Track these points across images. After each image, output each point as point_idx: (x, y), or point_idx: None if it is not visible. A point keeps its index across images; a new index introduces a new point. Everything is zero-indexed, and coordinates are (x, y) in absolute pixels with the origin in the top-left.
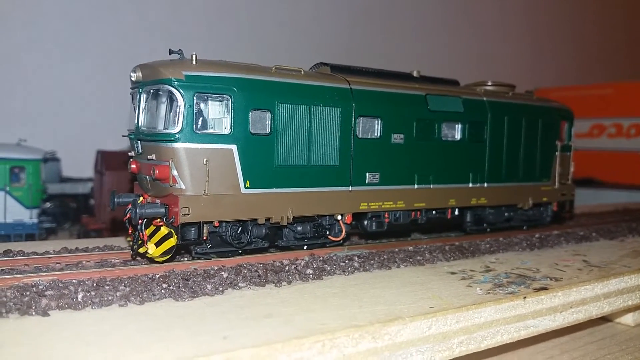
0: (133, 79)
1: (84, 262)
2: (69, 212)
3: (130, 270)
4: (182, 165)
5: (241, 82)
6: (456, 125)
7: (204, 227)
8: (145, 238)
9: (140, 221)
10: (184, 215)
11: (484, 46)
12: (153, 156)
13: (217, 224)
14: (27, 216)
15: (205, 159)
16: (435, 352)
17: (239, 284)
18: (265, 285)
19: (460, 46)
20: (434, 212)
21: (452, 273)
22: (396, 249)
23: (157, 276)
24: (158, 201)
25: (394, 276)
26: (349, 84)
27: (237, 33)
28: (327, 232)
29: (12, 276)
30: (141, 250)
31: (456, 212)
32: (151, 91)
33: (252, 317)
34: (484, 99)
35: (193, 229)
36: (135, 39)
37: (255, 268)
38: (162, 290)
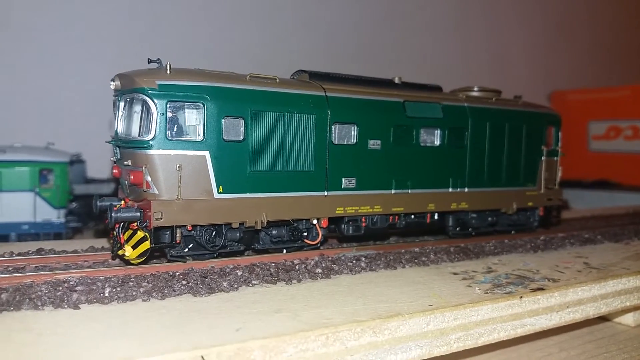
0: (112, 87)
1: (109, 260)
2: (93, 212)
3: (153, 268)
4: (155, 171)
5: (213, 91)
6: (435, 131)
7: (177, 231)
8: (122, 241)
9: (117, 225)
10: (157, 219)
11: (497, 48)
12: (129, 162)
13: (190, 228)
14: (55, 216)
15: (177, 165)
16: (434, 347)
17: (252, 282)
18: (277, 283)
19: (473, 49)
20: (412, 216)
21: (455, 274)
22: (402, 250)
23: (177, 273)
24: (135, 205)
25: (399, 276)
26: (325, 91)
27: (245, 37)
28: (304, 236)
29: (45, 273)
30: (120, 252)
31: (435, 217)
32: (128, 99)
33: (264, 312)
34: (465, 104)
35: (167, 232)
36: (153, 41)
37: (268, 267)
38: (182, 287)
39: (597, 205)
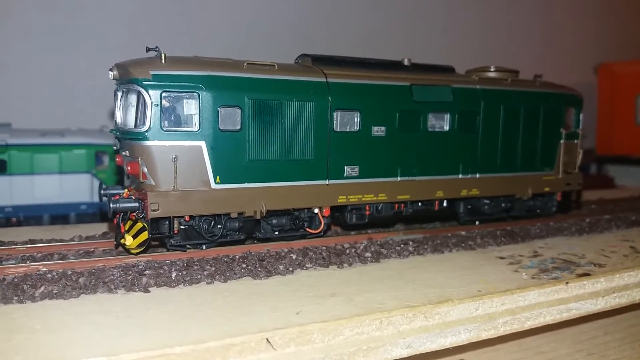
0: (111, 77)
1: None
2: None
3: (214, 251)
4: (151, 162)
5: (209, 80)
6: (445, 116)
7: (174, 222)
8: (123, 230)
9: (117, 215)
10: (153, 210)
11: (545, 19)
12: (127, 152)
13: (187, 218)
14: None
15: (173, 156)
16: (482, 331)
17: (306, 265)
18: (329, 267)
19: (520, 21)
20: (419, 204)
21: (501, 258)
22: (449, 234)
23: (237, 257)
24: (136, 195)
25: (446, 260)
26: (326, 77)
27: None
28: (306, 225)
29: (115, 257)
30: (122, 241)
31: (444, 204)
32: (124, 90)
33: (319, 295)
34: (477, 87)
35: (166, 222)
36: (199, 19)
37: (320, 251)
38: (242, 270)
39: None
